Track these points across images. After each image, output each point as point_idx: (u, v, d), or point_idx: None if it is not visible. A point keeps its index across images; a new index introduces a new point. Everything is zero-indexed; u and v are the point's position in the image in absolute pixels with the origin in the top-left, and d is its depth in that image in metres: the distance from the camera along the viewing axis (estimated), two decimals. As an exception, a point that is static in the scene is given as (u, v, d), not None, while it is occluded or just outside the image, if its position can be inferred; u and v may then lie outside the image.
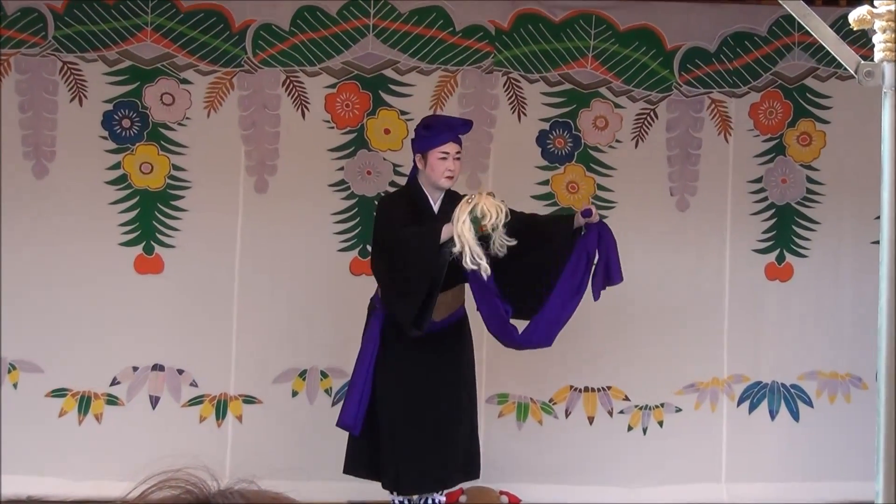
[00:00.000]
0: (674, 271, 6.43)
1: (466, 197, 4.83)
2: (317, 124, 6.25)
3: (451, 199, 5.07)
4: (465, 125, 5.22)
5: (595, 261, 5.00)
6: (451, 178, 5.10)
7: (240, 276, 6.24)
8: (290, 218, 6.23)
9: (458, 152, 5.13)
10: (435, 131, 5.10)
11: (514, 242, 4.76)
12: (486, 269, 4.69)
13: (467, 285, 5.17)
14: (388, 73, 6.27)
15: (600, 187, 6.42)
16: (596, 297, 5.05)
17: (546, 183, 6.40)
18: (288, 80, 6.24)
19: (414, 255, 4.87)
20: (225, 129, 6.20)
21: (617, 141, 6.43)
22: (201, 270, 6.21)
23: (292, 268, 6.22)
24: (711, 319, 6.45)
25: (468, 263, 4.70)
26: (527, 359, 5.73)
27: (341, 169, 6.29)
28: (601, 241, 4.97)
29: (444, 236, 4.84)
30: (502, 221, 4.72)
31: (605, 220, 5.16)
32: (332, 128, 6.27)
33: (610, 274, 5.00)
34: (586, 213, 4.99)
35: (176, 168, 6.22)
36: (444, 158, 5.07)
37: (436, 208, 5.15)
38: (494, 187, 6.03)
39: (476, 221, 4.75)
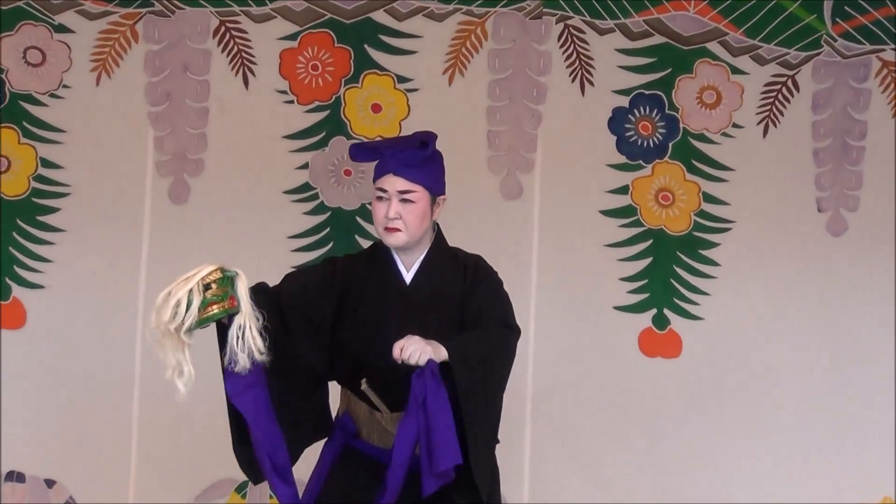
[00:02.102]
0: (820, 330, 5.74)
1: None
2: (268, 97, 5.63)
3: (444, 267, 4.15)
4: (408, 147, 4.21)
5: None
6: (392, 231, 4.13)
7: (144, 332, 5.59)
8: (223, 242, 5.63)
9: (405, 191, 4.13)
10: (370, 155, 4.27)
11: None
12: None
13: None
14: (379, 17, 5.69)
15: (708, 197, 5.69)
16: (425, 489, 4.00)
17: (624, 190, 5.69)
18: (223, 28, 5.62)
19: None
20: (124, 105, 5.61)
21: (735, 126, 5.71)
22: (86, 324, 5.61)
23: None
24: (878, 407, 5.77)
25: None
26: (586, 467, 5.39)
27: (305, 167, 5.65)
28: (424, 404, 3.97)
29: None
30: (181, 325, 3.81)
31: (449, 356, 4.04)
32: (292, 102, 5.66)
33: (432, 454, 3.91)
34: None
35: (47, 164, 5.64)
36: (381, 199, 4.16)
37: (408, 277, 4.18)
38: (544, 193, 5.55)
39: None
